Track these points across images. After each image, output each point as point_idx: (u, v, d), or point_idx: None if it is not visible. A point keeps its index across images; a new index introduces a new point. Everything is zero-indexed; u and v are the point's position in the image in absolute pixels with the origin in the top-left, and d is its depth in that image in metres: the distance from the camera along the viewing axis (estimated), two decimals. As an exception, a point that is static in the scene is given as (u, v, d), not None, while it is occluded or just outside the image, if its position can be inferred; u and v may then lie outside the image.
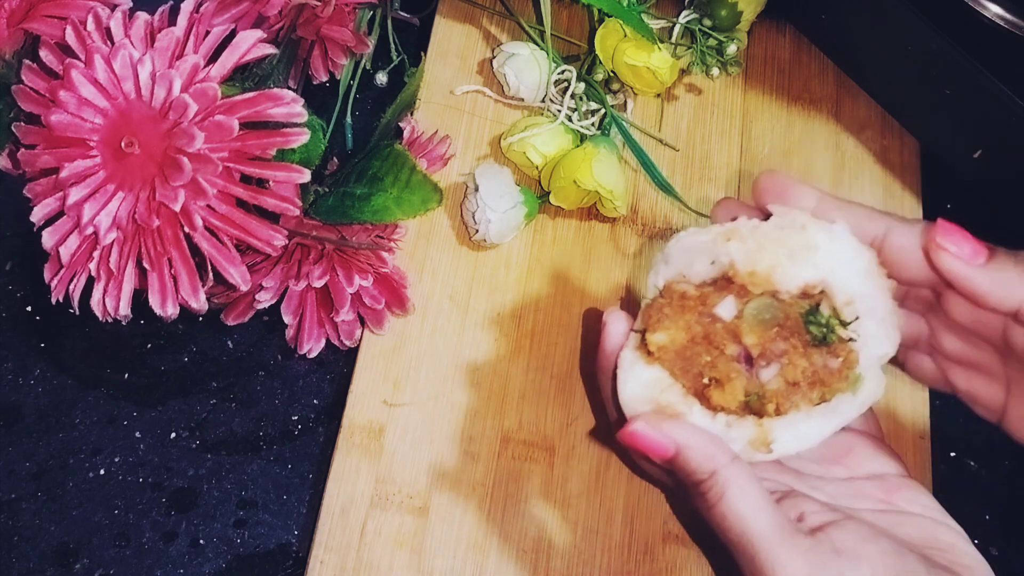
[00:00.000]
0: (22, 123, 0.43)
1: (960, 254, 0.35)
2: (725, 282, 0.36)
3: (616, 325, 0.39)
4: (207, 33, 0.44)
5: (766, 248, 0.36)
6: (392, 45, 0.57)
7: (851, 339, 0.36)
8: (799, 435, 0.37)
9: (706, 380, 0.37)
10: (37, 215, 0.43)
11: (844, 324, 0.36)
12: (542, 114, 0.54)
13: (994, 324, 0.37)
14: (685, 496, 0.37)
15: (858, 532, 0.34)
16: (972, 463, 0.50)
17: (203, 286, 0.43)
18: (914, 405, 0.50)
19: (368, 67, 0.56)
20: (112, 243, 0.42)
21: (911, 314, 0.40)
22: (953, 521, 0.37)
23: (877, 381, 0.37)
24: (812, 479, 0.38)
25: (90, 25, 0.44)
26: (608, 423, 0.41)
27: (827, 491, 0.38)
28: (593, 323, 0.50)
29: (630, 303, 0.49)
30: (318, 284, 0.46)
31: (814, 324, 0.36)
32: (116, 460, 0.47)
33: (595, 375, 0.41)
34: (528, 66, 0.54)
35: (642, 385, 0.37)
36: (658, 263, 0.38)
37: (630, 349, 0.38)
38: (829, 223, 0.36)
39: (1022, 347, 0.36)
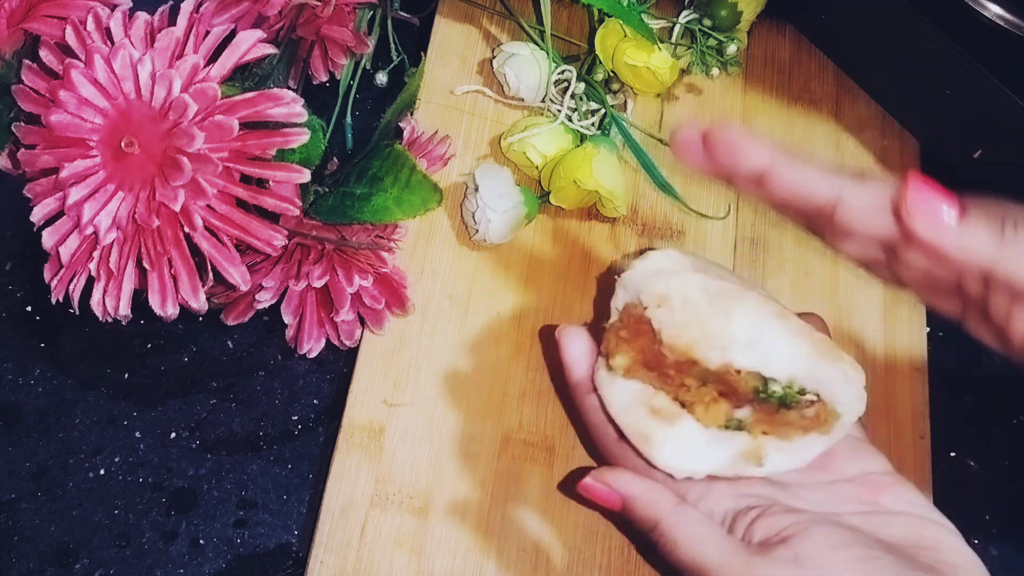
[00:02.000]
0: (22, 123, 0.43)
1: (934, 216, 0.33)
2: None
3: (573, 346, 0.40)
4: (207, 33, 0.44)
5: (689, 326, 0.36)
6: (392, 45, 0.57)
7: (813, 400, 0.36)
8: (790, 456, 0.37)
9: (680, 402, 0.37)
10: (37, 215, 0.43)
11: (801, 391, 0.36)
12: (542, 114, 0.54)
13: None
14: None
15: (827, 539, 0.34)
16: (972, 463, 0.50)
17: (203, 286, 0.43)
18: (914, 405, 0.50)
19: (368, 67, 0.57)
20: (112, 243, 0.42)
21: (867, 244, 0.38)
22: (942, 517, 0.37)
23: (858, 401, 0.37)
24: (795, 488, 0.38)
25: (90, 25, 0.44)
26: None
27: (810, 499, 0.37)
28: (549, 340, 0.50)
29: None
30: (318, 284, 0.46)
31: (768, 397, 0.36)
32: (116, 460, 0.47)
33: (568, 395, 0.41)
34: (528, 66, 0.54)
35: (630, 393, 0.38)
36: (618, 288, 0.39)
37: (603, 369, 0.38)
38: (757, 307, 0.36)
39: (976, 293, 0.35)
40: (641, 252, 0.40)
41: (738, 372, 0.35)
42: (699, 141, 0.37)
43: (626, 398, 0.37)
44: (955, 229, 0.33)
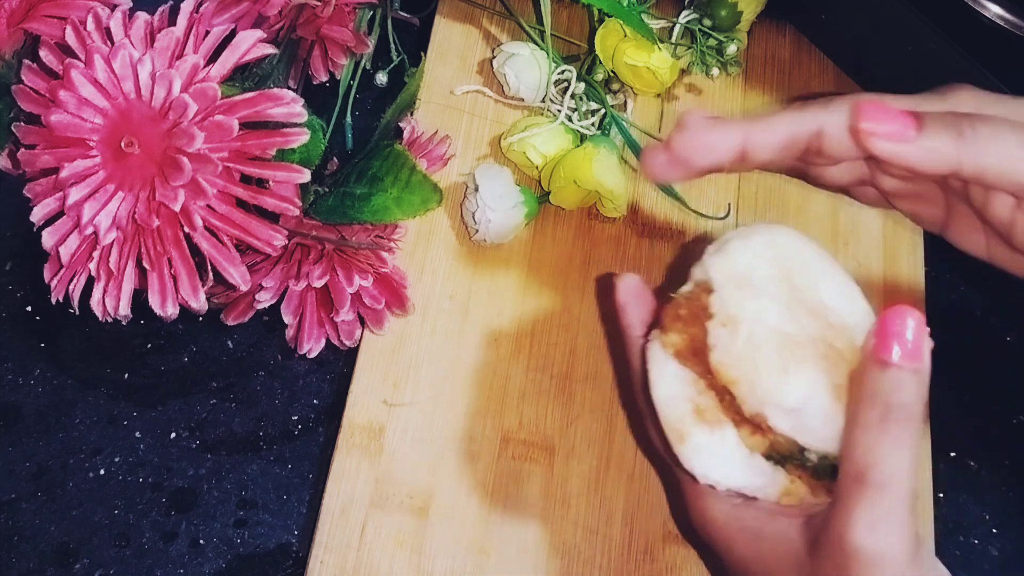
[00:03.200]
0: (22, 123, 0.43)
1: (889, 134, 0.33)
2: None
3: (626, 290, 0.39)
4: (207, 33, 0.44)
5: (741, 362, 0.34)
6: (392, 45, 0.57)
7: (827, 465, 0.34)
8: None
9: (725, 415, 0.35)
10: (37, 215, 0.43)
11: (835, 468, 0.34)
12: (542, 114, 0.54)
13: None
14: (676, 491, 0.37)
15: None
16: (972, 463, 0.50)
17: (203, 286, 0.43)
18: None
19: (368, 67, 0.56)
20: (112, 243, 0.42)
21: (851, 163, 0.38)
22: None
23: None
24: None
25: (90, 25, 0.44)
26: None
27: None
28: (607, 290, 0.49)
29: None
30: (318, 284, 0.46)
31: (803, 461, 0.35)
32: (116, 460, 0.47)
33: (621, 346, 0.40)
34: (528, 66, 0.54)
35: (677, 383, 0.35)
36: (705, 258, 0.36)
37: (656, 341, 0.36)
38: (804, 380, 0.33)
39: (957, 188, 0.35)
40: (739, 232, 0.36)
41: (771, 429, 0.34)
42: (665, 157, 0.36)
43: (673, 388, 0.35)
44: (913, 142, 0.33)
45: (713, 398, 0.35)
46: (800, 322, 0.34)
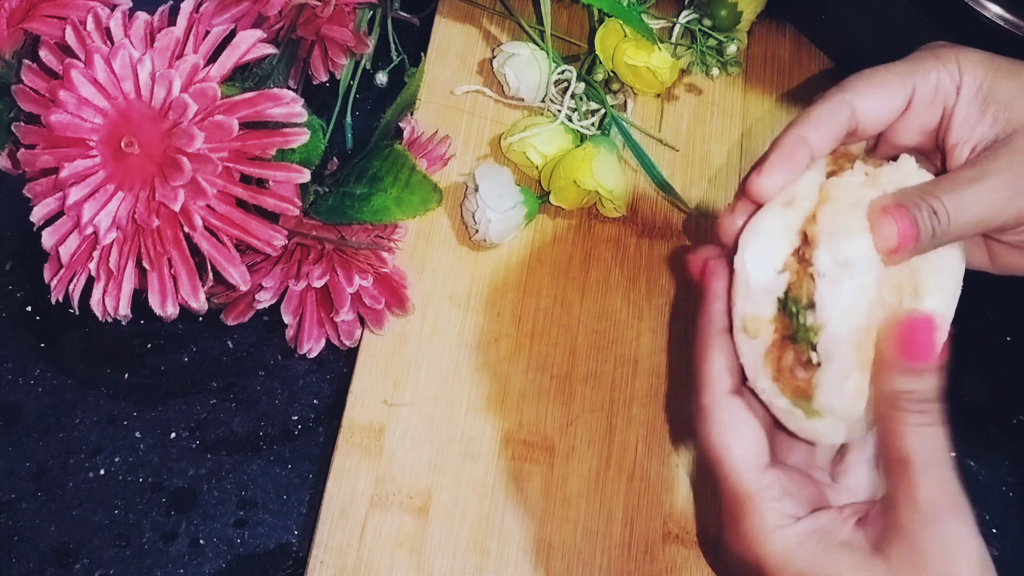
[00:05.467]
0: (22, 123, 0.43)
1: (902, 247, 0.35)
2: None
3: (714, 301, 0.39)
4: (207, 33, 0.44)
5: (850, 194, 0.36)
6: (392, 45, 0.57)
7: (810, 362, 0.35)
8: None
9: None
10: (37, 215, 0.43)
11: (813, 346, 0.35)
12: (542, 114, 0.54)
13: None
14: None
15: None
16: (972, 463, 0.50)
17: (203, 286, 0.43)
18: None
19: (368, 67, 0.56)
20: (112, 243, 0.42)
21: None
22: None
23: (835, 430, 0.36)
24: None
25: (90, 25, 0.44)
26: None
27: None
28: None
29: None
30: (318, 284, 0.46)
31: (795, 315, 0.35)
32: (116, 460, 0.47)
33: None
34: (528, 66, 0.54)
35: (805, 181, 0.37)
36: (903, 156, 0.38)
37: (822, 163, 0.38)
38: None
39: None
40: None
41: (810, 274, 0.35)
42: (742, 206, 0.38)
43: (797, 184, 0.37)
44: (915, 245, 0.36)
45: (806, 214, 0.37)
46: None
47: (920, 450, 0.34)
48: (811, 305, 0.35)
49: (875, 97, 0.39)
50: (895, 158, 0.38)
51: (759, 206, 0.38)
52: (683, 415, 0.49)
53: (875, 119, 0.39)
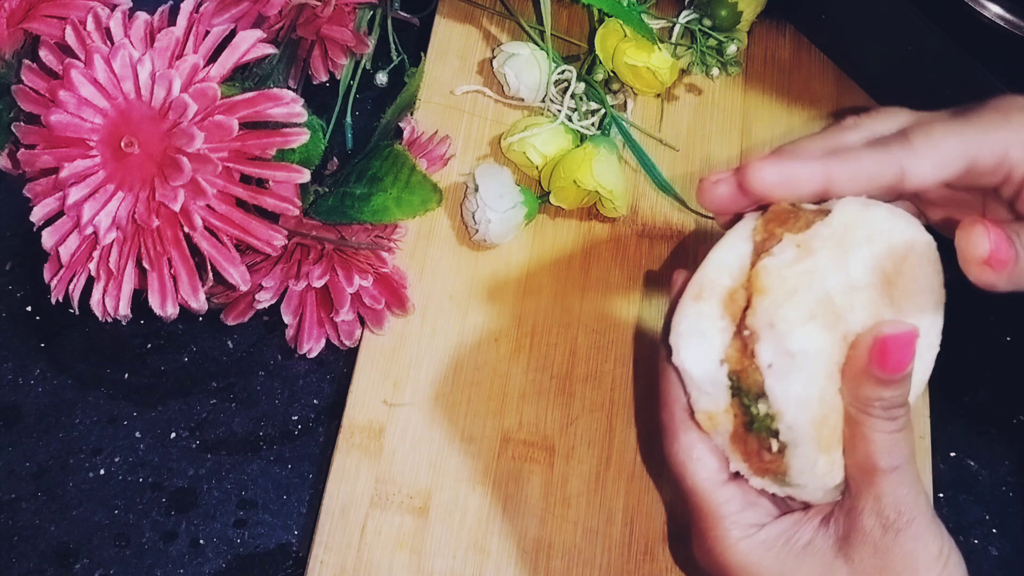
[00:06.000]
0: (22, 123, 0.43)
1: (997, 262, 0.33)
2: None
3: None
4: (207, 33, 0.44)
5: (786, 280, 0.33)
6: (392, 45, 0.57)
7: (772, 446, 0.34)
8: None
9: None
10: (37, 215, 0.43)
11: (774, 432, 0.34)
12: (542, 114, 0.54)
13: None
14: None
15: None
16: (972, 463, 0.50)
17: (203, 286, 0.43)
18: (914, 405, 0.50)
19: (368, 67, 0.56)
20: (112, 243, 0.42)
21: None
22: None
23: (820, 492, 0.36)
24: None
25: (90, 25, 0.44)
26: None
27: None
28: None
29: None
30: (318, 284, 0.46)
31: (748, 406, 0.35)
32: (116, 460, 0.47)
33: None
34: (528, 66, 0.54)
35: (735, 259, 0.35)
36: (847, 197, 0.35)
37: (752, 223, 0.36)
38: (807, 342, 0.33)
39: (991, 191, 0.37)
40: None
41: (752, 358, 0.34)
42: (731, 186, 0.36)
43: (728, 259, 0.35)
44: (1013, 263, 0.33)
45: (743, 295, 0.35)
46: (856, 308, 0.34)
47: (887, 456, 0.34)
48: (762, 394, 0.34)
49: (931, 163, 0.35)
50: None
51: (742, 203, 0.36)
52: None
53: (921, 183, 0.35)
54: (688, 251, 0.53)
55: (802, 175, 0.35)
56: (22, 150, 0.43)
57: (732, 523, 0.36)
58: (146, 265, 0.42)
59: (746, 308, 0.34)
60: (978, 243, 0.33)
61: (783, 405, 0.33)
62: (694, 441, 0.36)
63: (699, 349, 0.35)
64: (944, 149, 0.35)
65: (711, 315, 0.35)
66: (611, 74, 0.56)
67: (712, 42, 0.55)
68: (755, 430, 0.34)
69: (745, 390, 0.34)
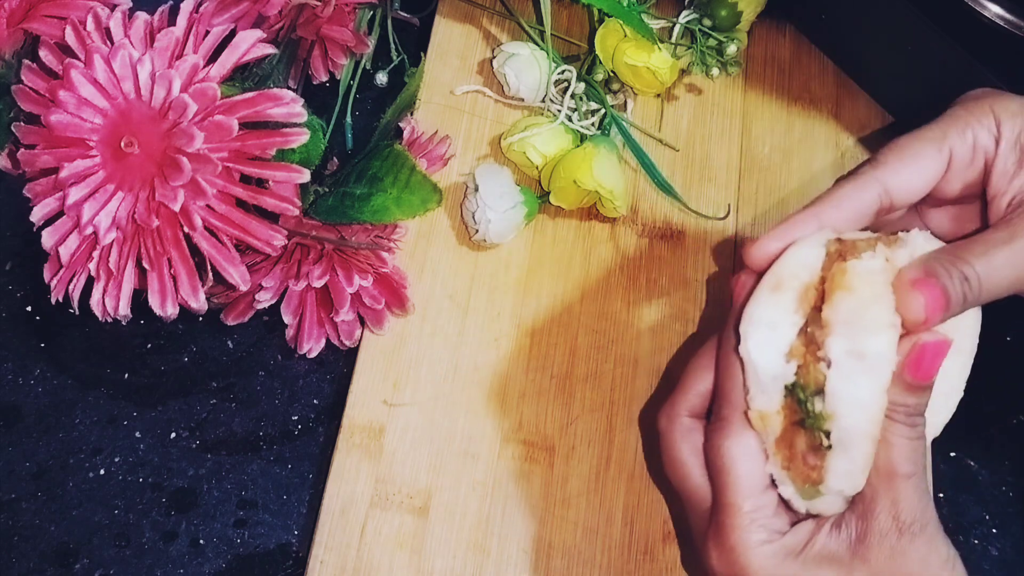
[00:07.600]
0: (22, 123, 0.43)
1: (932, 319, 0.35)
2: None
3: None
4: (207, 33, 0.44)
5: (870, 282, 0.35)
6: (392, 45, 0.57)
7: (821, 446, 0.35)
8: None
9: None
10: (37, 215, 0.43)
11: (825, 431, 0.35)
12: (542, 114, 0.54)
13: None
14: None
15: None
16: (972, 463, 0.50)
17: (203, 286, 0.43)
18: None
19: (368, 67, 0.56)
20: (112, 243, 0.42)
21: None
22: None
23: (840, 501, 0.36)
24: None
25: (90, 25, 0.44)
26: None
27: None
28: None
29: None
30: (318, 284, 0.46)
31: (803, 401, 0.35)
32: (116, 460, 0.47)
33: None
34: (528, 66, 0.54)
35: (812, 254, 0.36)
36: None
37: (827, 232, 0.37)
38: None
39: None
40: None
41: (819, 360, 0.34)
42: (750, 274, 0.38)
43: (805, 256, 0.36)
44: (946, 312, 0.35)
45: (815, 295, 0.36)
46: None
47: (907, 462, 0.35)
48: (820, 392, 0.34)
49: (908, 171, 0.38)
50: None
51: (760, 275, 0.37)
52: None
53: (911, 192, 0.38)
54: (688, 251, 0.53)
55: (796, 231, 0.37)
56: (22, 150, 0.43)
57: (761, 526, 0.36)
58: (146, 265, 0.42)
59: (815, 308, 0.35)
60: (916, 310, 0.34)
61: (842, 404, 0.34)
62: (750, 439, 0.37)
63: (767, 339, 0.36)
64: (918, 154, 0.37)
65: (786, 307, 0.36)
66: (611, 74, 0.56)
67: (712, 42, 0.55)
68: (808, 425, 0.35)
69: (803, 385, 0.35)
